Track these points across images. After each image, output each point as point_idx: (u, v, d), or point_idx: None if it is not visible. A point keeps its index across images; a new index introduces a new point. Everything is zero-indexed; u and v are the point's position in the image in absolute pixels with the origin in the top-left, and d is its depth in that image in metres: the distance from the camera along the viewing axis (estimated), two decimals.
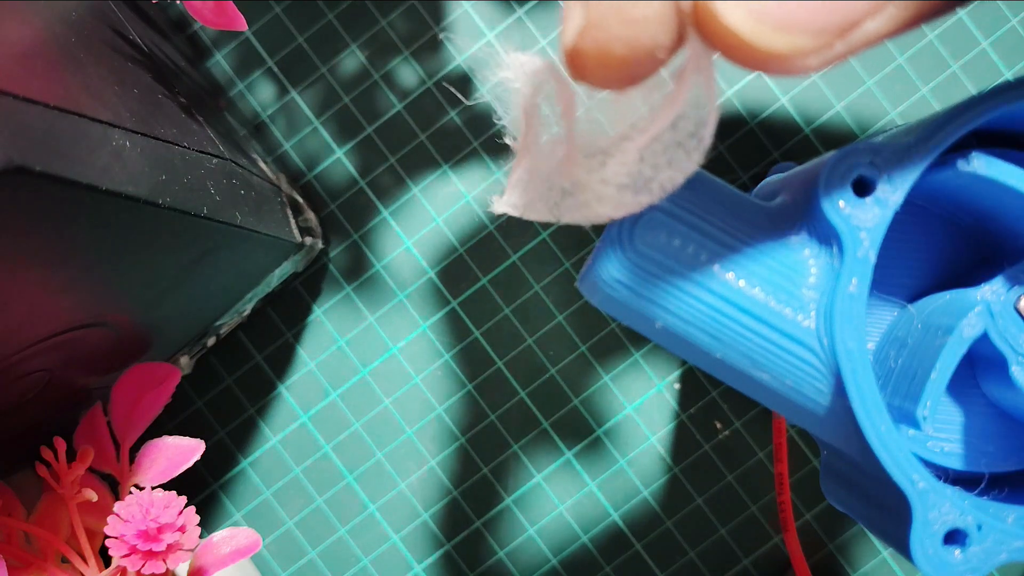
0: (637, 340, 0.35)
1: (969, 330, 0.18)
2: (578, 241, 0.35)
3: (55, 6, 0.22)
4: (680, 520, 0.35)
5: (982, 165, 0.18)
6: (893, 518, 0.18)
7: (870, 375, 0.17)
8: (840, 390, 0.17)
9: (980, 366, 0.20)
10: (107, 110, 0.20)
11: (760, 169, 0.34)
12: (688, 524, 0.35)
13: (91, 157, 0.18)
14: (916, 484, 0.17)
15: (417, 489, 0.35)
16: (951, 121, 0.17)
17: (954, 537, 0.17)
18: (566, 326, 0.35)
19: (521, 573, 0.35)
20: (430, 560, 0.35)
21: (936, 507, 0.17)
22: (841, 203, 0.17)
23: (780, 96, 0.34)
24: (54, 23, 0.21)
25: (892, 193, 0.17)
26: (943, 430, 0.20)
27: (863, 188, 0.17)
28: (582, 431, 0.35)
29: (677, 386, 0.35)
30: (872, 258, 0.17)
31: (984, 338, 0.19)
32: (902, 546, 0.18)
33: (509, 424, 0.35)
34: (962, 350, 0.18)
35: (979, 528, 0.17)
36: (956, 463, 0.20)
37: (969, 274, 0.20)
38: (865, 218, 0.17)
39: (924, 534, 0.17)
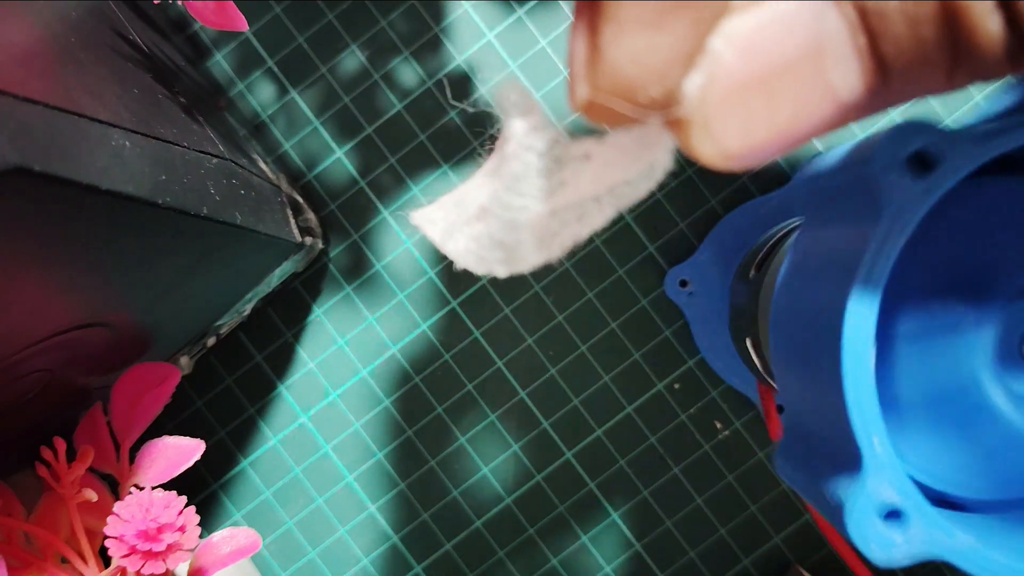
0: (637, 340, 0.35)
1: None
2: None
3: (55, 6, 0.22)
4: (680, 520, 0.35)
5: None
6: (840, 485, 0.18)
7: (869, 341, 0.17)
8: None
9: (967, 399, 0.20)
10: (107, 110, 0.20)
11: (759, 169, 0.34)
12: (688, 524, 0.35)
13: (91, 157, 0.18)
14: (874, 447, 0.16)
15: (417, 489, 0.35)
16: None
17: (894, 517, 0.17)
18: (566, 326, 0.35)
19: (521, 573, 0.35)
20: (430, 560, 0.35)
21: (883, 478, 0.16)
22: (893, 176, 0.16)
23: None
24: (54, 23, 0.21)
25: (943, 177, 0.16)
26: (917, 452, 0.20)
27: (921, 164, 0.17)
28: (582, 431, 0.35)
29: (677, 386, 0.35)
30: (909, 229, 0.16)
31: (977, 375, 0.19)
32: (839, 516, 0.17)
33: (509, 424, 0.35)
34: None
35: (918, 511, 0.16)
36: (924, 478, 0.20)
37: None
38: (913, 194, 0.16)
39: (865, 502, 0.17)
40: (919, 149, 0.16)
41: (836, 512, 0.17)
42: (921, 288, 0.20)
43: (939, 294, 0.20)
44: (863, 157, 0.17)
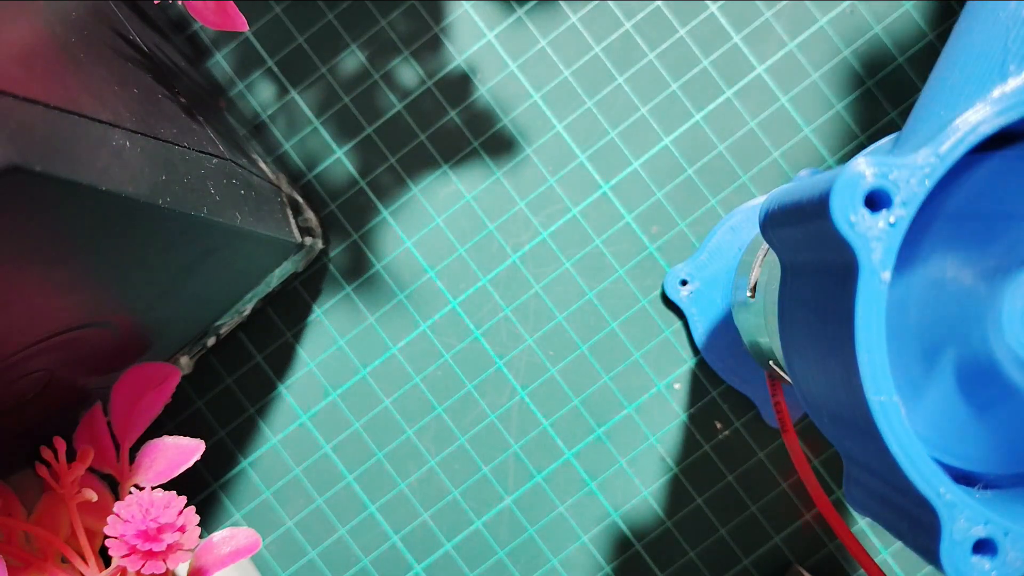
0: (637, 340, 0.35)
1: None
2: (578, 241, 0.35)
3: (55, 6, 0.22)
4: (680, 520, 0.35)
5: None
6: (921, 528, 0.18)
7: (894, 403, 0.17)
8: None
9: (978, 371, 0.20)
10: (107, 110, 0.20)
11: (759, 170, 0.34)
12: (688, 524, 0.35)
13: (91, 157, 0.18)
14: (943, 496, 0.17)
15: (417, 489, 0.35)
16: (968, 134, 0.17)
17: (983, 547, 0.17)
18: (566, 326, 0.35)
19: (521, 573, 0.35)
20: (430, 560, 0.35)
21: (962, 517, 0.17)
22: (852, 217, 0.17)
23: (780, 96, 0.34)
24: (54, 23, 0.21)
25: (903, 207, 0.17)
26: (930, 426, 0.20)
27: (875, 203, 0.17)
28: (582, 431, 0.35)
29: (677, 386, 0.35)
30: (887, 275, 0.17)
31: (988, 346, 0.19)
32: (932, 556, 0.18)
33: (509, 424, 0.35)
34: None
35: (1006, 535, 0.17)
36: (942, 456, 0.20)
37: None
38: (878, 233, 0.17)
39: (952, 545, 0.17)
40: (871, 191, 0.17)
41: (926, 553, 0.18)
42: (932, 255, 0.20)
43: (951, 262, 0.20)
44: (817, 211, 0.17)
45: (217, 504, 0.35)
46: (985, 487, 0.20)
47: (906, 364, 0.20)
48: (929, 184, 0.17)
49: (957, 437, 0.20)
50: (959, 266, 0.20)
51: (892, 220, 0.17)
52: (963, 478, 0.20)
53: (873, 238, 0.17)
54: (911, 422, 0.20)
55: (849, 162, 0.17)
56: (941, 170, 0.17)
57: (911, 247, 0.20)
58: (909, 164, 0.17)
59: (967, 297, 0.19)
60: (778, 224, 0.20)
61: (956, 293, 0.19)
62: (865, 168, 0.17)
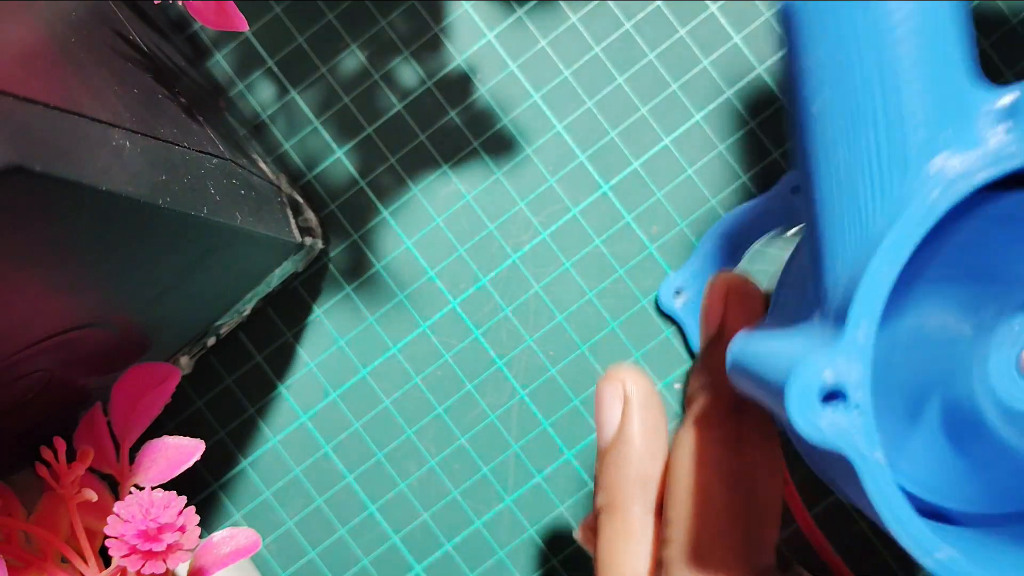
0: (637, 340, 0.35)
1: None
2: (578, 241, 0.35)
3: (55, 6, 0.22)
4: None
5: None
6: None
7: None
8: None
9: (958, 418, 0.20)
10: (107, 110, 0.20)
11: (760, 169, 0.34)
12: None
13: (91, 157, 0.18)
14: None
15: (417, 489, 0.35)
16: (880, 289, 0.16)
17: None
18: (566, 326, 0.35)
19: (521, 574, 0.35)
20: (430, 560, 0.35)
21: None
22: (818, 423, 0.16)
23: (780, 96, 0.34)
24: (54, 23, 0.21)
25: (859, 389, 0.16)
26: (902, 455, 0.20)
27: (832, 396, 0.16)
28: (582, 431, 0.35)
29: (678, 386, 0.35)
30: (880, 456, 0.16)
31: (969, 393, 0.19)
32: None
33: (509, 424, 0.35)
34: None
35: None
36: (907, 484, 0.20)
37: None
38: (847, 425, 0.16)
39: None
40: (828, 391, 0.16)
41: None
42: (919, 308, 0.20)
43: (937, 314, 0.20)
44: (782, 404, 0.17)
45: (217, 504, 0.35)
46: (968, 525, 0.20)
47: (891, 410, 0.20)
48: (869, 356, 0.16)
49: (942, 478, 0.20)
50: (945, 318, 0.19)
51: (856, 403, 0.16)
52: (942, 516, 0.20)
53: (844, 431, 0.16)
54: (895, 462, 0.20)
55: (789, 381, 0.16)
56: (872, 341, 0.16)
57: (898, 300, 0.19)
58: (844, 351, 0.16)
59: (954, 347, 0.19)
60: (748, 387, 0.20)
61: (942, 343, 0.19)
62: (812, 379, 0.16)
